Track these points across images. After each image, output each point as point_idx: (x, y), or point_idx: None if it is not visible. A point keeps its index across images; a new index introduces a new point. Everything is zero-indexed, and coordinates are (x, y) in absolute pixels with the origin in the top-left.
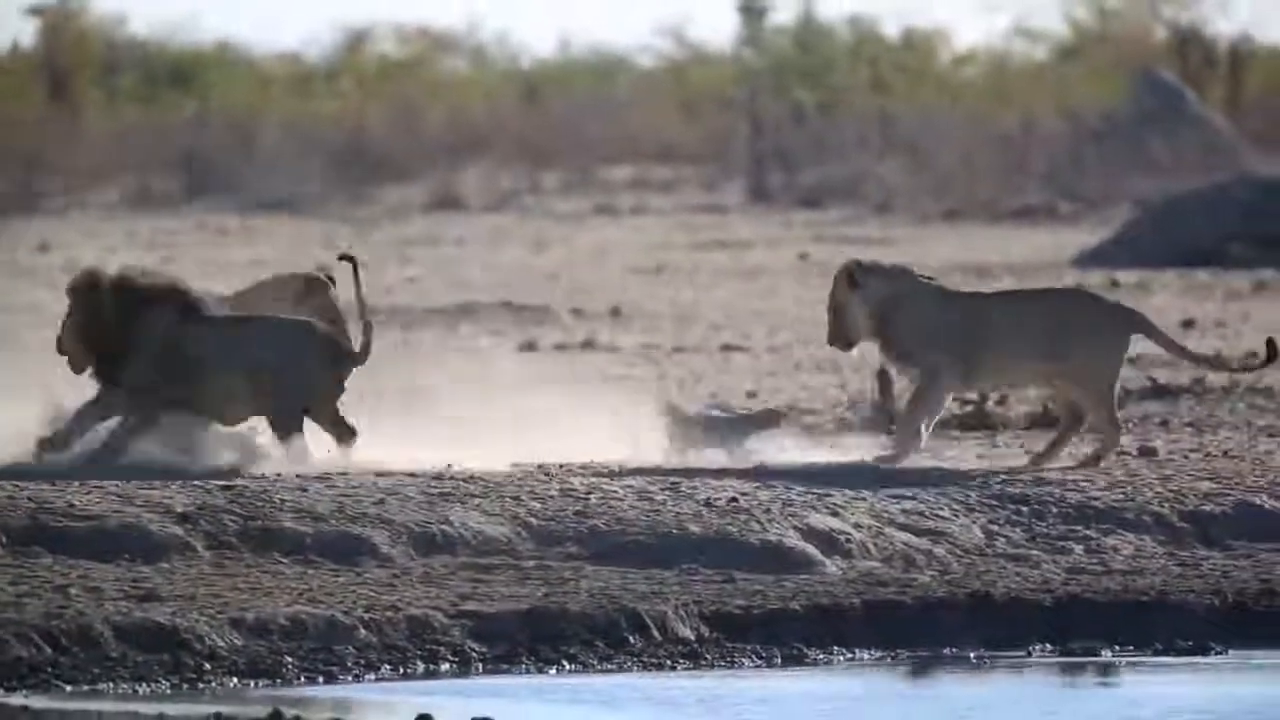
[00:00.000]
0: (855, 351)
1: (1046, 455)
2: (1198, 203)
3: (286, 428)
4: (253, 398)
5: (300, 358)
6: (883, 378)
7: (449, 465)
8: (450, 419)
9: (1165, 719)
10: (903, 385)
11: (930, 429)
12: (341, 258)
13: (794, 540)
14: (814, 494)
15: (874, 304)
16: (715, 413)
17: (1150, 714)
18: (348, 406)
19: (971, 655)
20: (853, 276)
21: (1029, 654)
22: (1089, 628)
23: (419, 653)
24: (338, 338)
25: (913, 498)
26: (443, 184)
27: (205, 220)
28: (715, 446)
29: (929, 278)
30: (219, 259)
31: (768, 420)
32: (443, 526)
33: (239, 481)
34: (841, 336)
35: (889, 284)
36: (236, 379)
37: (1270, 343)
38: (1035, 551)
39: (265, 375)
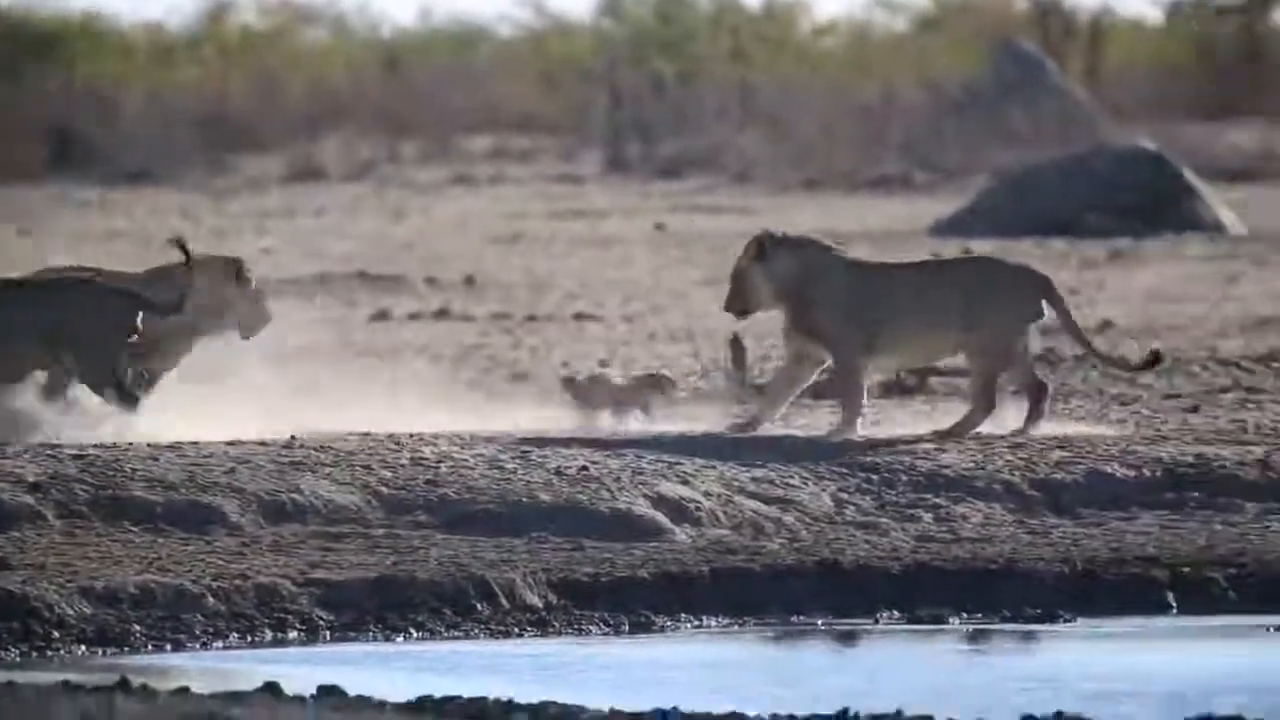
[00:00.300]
0: (744, 321)
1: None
2: (1054, 173)
3: (95, 381)
4: (38, 355)
5: (89, 315)
6: (735, 346)
7: (292, 436)
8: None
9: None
10: (756, 354)
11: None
12: (172, 242)
13: (644, 508)
14: (664, 462)
15: (780, 277)
16: (616, 379)
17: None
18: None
19: (819, 623)
20: (762, 247)
21: (877, 621)
22: (937, 595)
23: (267, 621)
24: (131, 291)
25: (763, 466)
26: (302, 154)
27: (64, 193)
28: (608, 410)
29: (839, 249)
30: (77, 231)
31: (656, 385)
32: (293, 495)
33: (90, 451)
34: (739, 303)
35: (797, 256)
36: (22, 339)
37: (1153, 351)
38: (884, 519)
39: (56, 334)
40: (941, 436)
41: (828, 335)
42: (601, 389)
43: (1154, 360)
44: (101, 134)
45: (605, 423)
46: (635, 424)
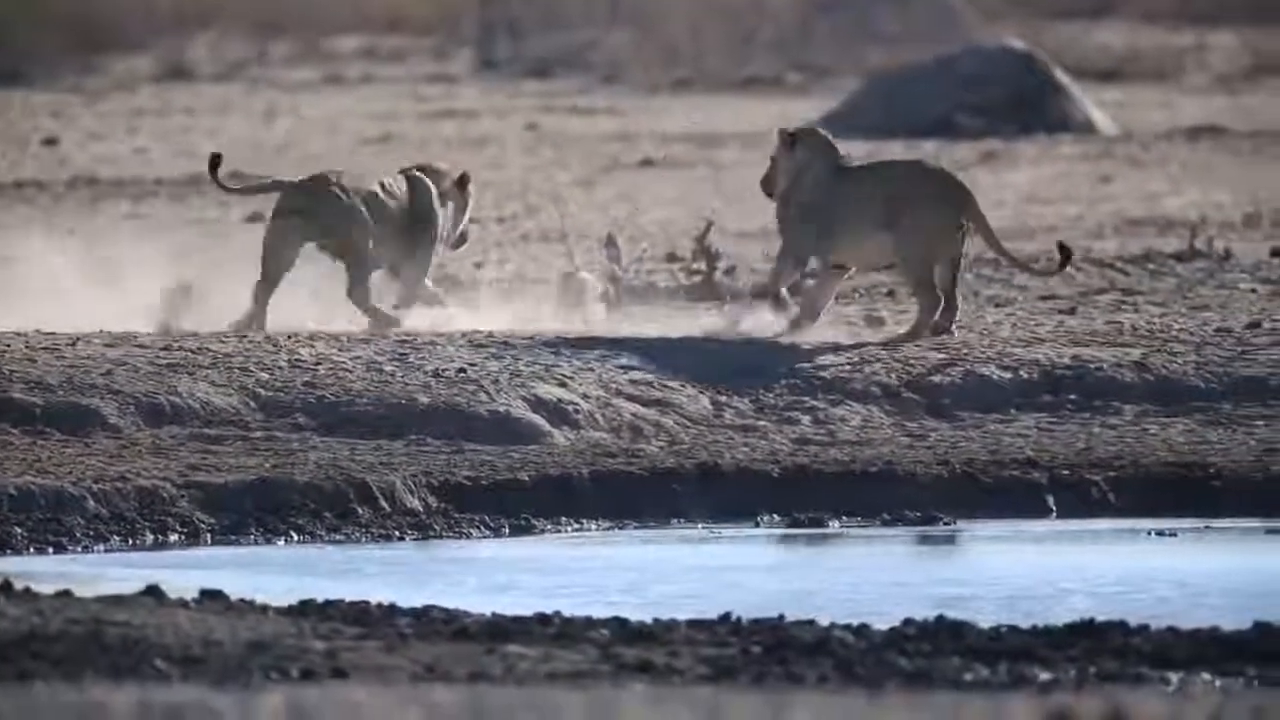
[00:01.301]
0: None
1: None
2: (924, 74)
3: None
4: None
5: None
6: (610, 246)
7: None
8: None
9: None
10: (629, 254)
11: (821, 309)
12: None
13: (522, 411)
14: (542, 365)
15: (793, 169)
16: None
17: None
18: None
19: (699, 525)
20: (791, 139)
21: (757, 524)
22: (816, 498)
23: (148, 524)
24: None
25: (640, 368)
26: (172, 54)
27: None
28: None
29: (842, 155)
30: None
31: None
32: (171, 397)
33: None
34: (769, 186)
35: (809, 154)
36: None
37: (1060, 245)
38: (763, 422)
39: None
40: (897, 341)
41: (783, 230)
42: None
43: (1066, 260)
44: None
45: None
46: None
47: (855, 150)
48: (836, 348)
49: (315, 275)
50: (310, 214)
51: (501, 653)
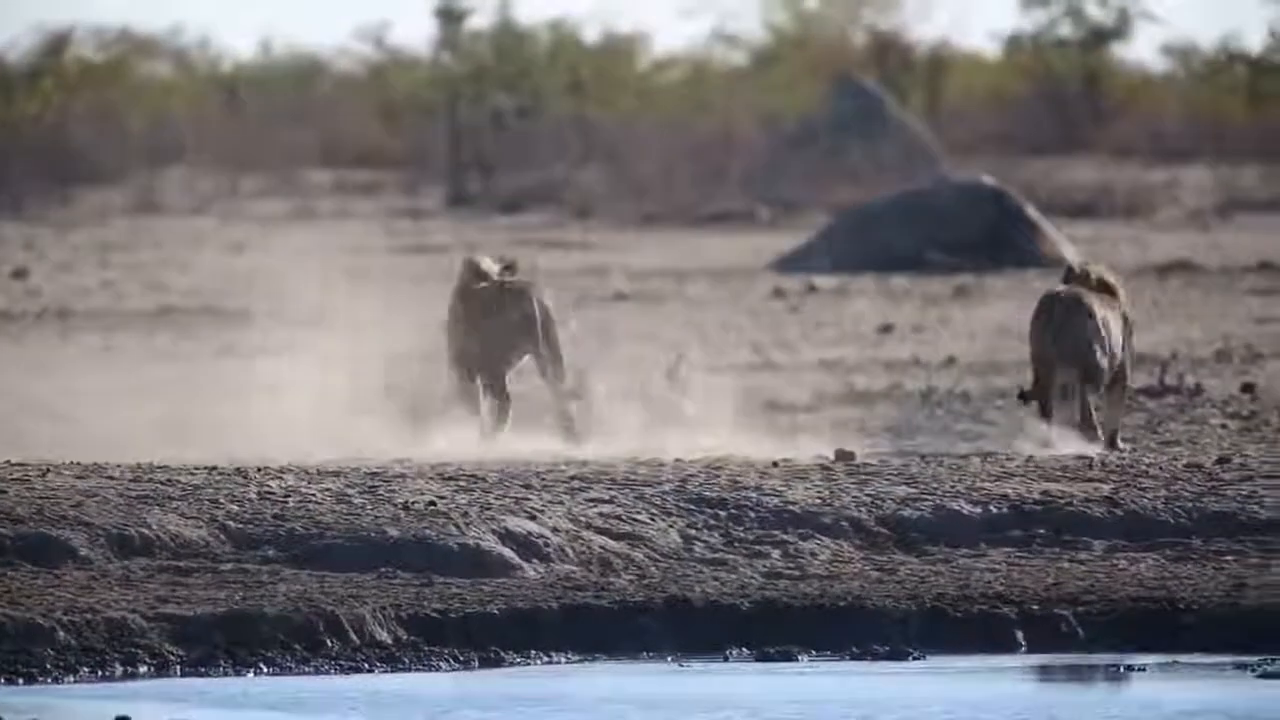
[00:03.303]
0: None
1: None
2: (895, 209)
3: None
4: None
5: None
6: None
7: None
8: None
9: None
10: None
11: None
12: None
13: (492, 544)
14: (511, 498)
15: None
16: None
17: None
18: None
19: (669, 659)
20: None
21: (727, 658)
22: (786, 632)
23: (118, 655)
24: None
25: (610, 501)
26: (143, 188)
27: None
28: None
29: None
30: None
31: None
32: (141, 529)
33: None
34: None
35: None
36: None
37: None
38: (733, 556)
39: None
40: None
41: None
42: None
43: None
44: None
45: None
46: None
47: (825, 284)
48: (806, 482)
49: None
50: None
51: None
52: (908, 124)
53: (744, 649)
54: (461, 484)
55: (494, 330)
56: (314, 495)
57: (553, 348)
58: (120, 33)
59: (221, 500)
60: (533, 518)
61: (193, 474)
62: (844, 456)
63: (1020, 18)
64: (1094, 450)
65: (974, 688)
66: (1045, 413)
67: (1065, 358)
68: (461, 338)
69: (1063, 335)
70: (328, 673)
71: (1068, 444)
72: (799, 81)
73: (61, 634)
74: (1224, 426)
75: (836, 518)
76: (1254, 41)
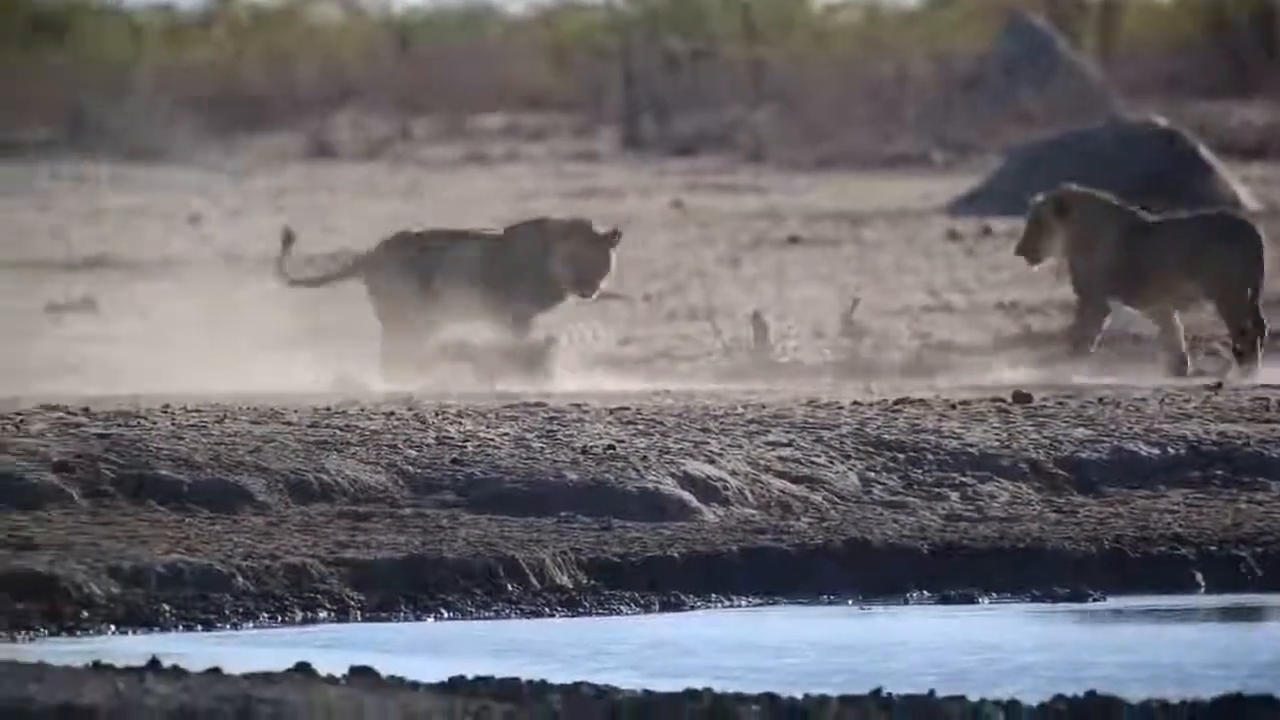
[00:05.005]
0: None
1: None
2: (1068, 150)
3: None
4: None
5: None
6: (758, 323)
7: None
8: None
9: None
10: (778, 330)
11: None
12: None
13: (671, 487)
14: (690, 441)
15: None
16: None
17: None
18: None
19: (849, 602)
20: (1061, 203)
21: (906, 601)
22: (966, 575)
23: (297, 601)
24: None
25: (789, 445)
26: (315, 133)
27: (78, 169)
28: None
29: (1124, 206)
30: (94, 209)
31: None
32: (319, 475)
33: (115, 430)
34: (1031, 251)
35: (1087, 213)
36: None
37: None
38: (912, 498)
39: None
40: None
41: (1084, 285)
42: None
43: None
44: (112, 113)
45: None
46: None
47: (999, 226)
48: (985, 424)
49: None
50: None
51: None
52: (1078, 64)
53: (924, 591)
54: (640, 427)
55: None
56: (492, 440)
57: None
58: None
59: (400, 445)
60: (711, 461)
61: (370, 419)
62: (1021, 399)
63: None
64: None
65: (1165, 630)
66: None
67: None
68: None
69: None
70: (508, 617)
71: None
72: (971, 21)
73: (240, 580)
74: None
75: (1015, 460)
76: None
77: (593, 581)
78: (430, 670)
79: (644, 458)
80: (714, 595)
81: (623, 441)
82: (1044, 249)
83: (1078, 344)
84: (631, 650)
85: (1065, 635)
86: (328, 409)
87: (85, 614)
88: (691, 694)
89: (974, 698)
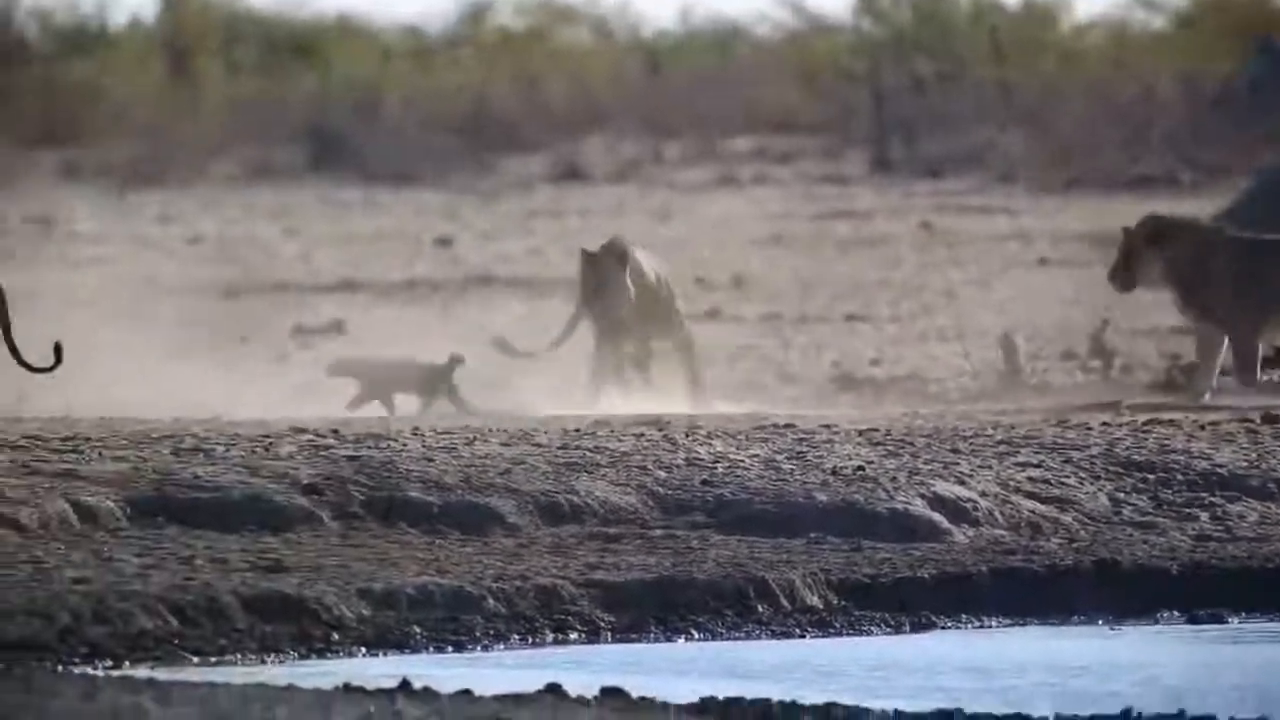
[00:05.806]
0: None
1: None
2: None
3: None
4: None
5: None
6: (1008, 345)
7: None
8: None
9: None
10: (1028, 352)
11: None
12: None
13: (920, 508)
14: (940, 462)
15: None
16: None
17: None
18: None
19: (1100, 622)
20: (1156, 229)
21: (1157, 621)
22: (1216, 595)
23: (548, 622)
24: None
25: (1038, 465)
26: (565, 155)
27: (326, 193)
28: None
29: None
30: (343, 232)
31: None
32: (569, 496)
33: (365, 452)
34: (1122, 277)
35: (1185, 239)
36: None
37: None
38: (1162, 519)
39: None
40: None
41: (1226, 313)
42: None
43: None
44: (361, 136)
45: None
46: None
47: None
48: (1234, 444)
49: None
50: None
51: None
52: None
53: (1174, 612)
54: (889, 448)
55: None
56: (742, 461)
57: None
58: (540, 1)
59: (649, 466)
60: (961, 482)
61: (620, 440)
62: (1271, 419)
63: None
64: None
65: None
66: None
67: None
68: None
69: None
70: (759, 638)
71: None
72: (1218, 43)
73: (491, 601)
74: None
75: (1264, 480)
76: None
77: (843, 602)
78: (681, 691)
79: (894, 479)
80: (964, 616)
81: (872, 462)
82: (1138, 276)
83: (1244, 380)
84: (879, 670)
85: None
86: (577, 430)
87: (335, 636)
88: (942, 714)
89: (1224, 717)
